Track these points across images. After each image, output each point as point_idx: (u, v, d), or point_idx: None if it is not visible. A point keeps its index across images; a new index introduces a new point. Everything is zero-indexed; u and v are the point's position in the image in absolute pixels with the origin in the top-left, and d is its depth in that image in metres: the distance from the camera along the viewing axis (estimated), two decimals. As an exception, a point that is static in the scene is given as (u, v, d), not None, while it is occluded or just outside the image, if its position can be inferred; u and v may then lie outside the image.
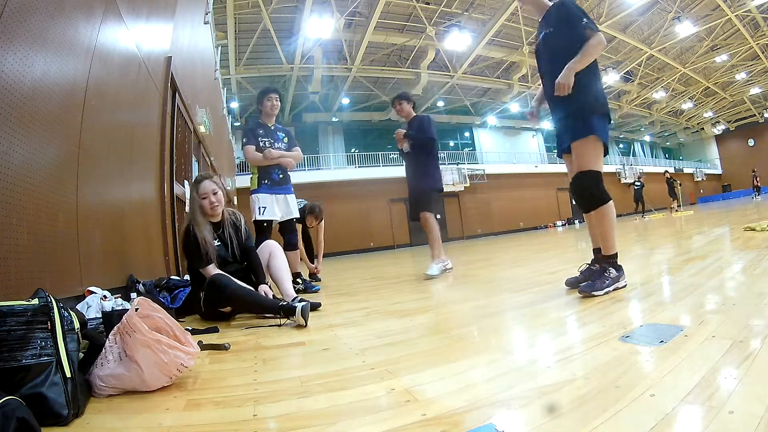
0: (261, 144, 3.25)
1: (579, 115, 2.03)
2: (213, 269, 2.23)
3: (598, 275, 1.97)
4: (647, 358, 1.02)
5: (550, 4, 2.20)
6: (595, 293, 1.86)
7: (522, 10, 2.16)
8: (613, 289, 1.91)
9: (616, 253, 2.02)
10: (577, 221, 19.18)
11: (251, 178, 3.32)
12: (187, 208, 4.25)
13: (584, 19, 2.02)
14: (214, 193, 2.32)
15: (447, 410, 0.84)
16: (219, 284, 2.09)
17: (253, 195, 3.28)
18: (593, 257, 2.18)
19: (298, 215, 3.45)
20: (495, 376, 1.02)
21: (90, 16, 2.08)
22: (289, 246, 3.34)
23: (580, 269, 2.20)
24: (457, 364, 1.16)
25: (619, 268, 1.99)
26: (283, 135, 3.39)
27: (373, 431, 0.80)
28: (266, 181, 3.24)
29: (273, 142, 3.28)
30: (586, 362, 1.03)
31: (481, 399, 0.89)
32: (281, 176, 3.30)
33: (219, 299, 2.12)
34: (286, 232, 3.42)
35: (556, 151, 2.36)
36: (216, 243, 2.34)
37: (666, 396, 0.78)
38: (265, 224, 3.21)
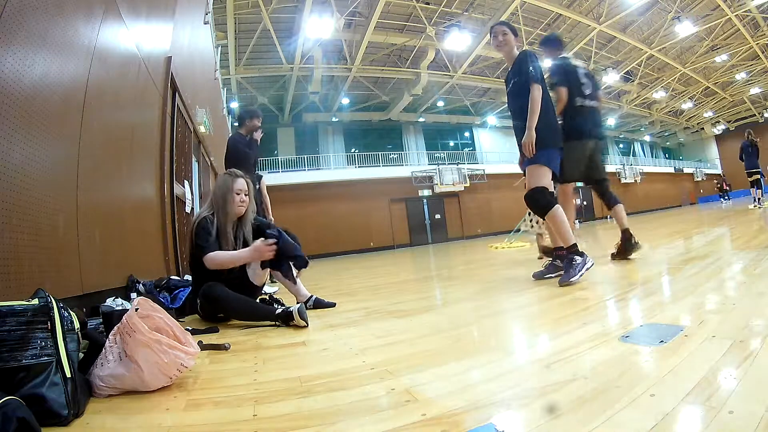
0: None
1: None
2: (212, 254, 2.11)
3: (568, 265, 2.27)
4: (647, 358, 1.01)
5: (518, 53, 2.55)
6: (573, 280, 2.18)
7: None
8: (586, 271, 2.25)
9: (575, 243, 2.33)
10: (577, 221, 19.08)
11: None
12: (187, 208, 4.26)
13: (531, 69, 2.38)
14: (246, 194, 2.34)
15: (447, 410, 0.84)
16: (212, 296, 2.07)
17: None
18: (554, 254, 2.66)
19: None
20: (495, 376, 1.02)
21: (90, 16, 2.08)
22: None
23: (545, 265, 2.67)
24: (457, 364, 1.15)
25: (582, 254, 2.30)
26: None
27: (373, 431, 0.80)
28: None
29: None
30: (586, 362, 1.03)
31: (481, 399, 0.88)
32: None
33: (214, 310, 2.13)
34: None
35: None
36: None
37: (666, 396, 0.78)
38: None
